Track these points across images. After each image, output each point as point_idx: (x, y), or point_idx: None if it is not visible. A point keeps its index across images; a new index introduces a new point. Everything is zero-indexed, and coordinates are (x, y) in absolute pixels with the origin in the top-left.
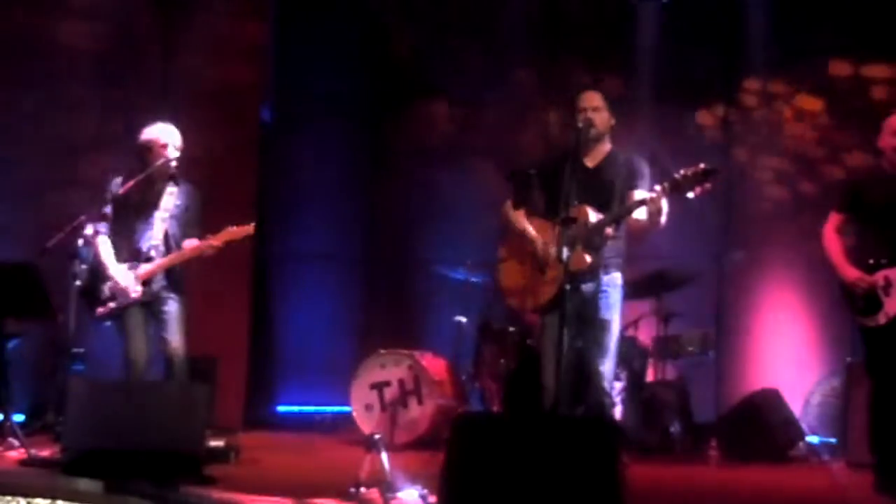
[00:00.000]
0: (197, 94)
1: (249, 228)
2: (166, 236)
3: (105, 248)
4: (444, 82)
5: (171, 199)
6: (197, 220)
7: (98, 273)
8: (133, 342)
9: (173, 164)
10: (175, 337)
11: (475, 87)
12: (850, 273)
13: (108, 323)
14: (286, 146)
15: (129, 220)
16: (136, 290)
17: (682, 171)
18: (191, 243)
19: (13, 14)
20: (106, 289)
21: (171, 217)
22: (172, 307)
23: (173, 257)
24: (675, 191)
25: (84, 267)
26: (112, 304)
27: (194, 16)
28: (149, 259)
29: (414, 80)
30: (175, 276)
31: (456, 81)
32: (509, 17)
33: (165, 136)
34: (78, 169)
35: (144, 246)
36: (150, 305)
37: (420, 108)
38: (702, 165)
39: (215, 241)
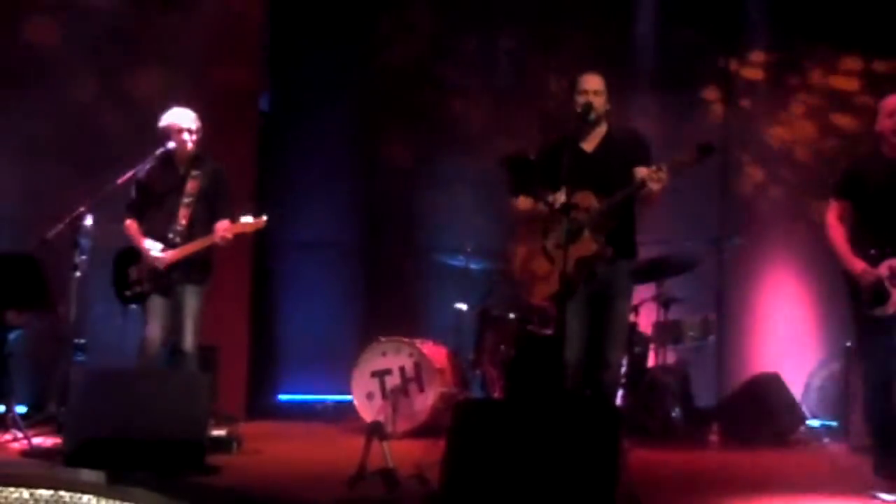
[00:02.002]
0: (195, 85)
1: (261, 221)
2: (191, 222)
3: (133, 228)
4: (442, 69)
5: (195, 182)
6: (225, 200)
7: (123, 259)
8: (150, 326)
9: (189, 146)
10: (188, 330)
11: (473, 74)
12: (857, 265)
13: (134, 306)
14: (285, 136)
15: (153, 207)
16: (164, 263)
17: (681, 154)
18: (223, 225)
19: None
20: (133, 272)
21: (197, 201)
22: (191, 300)
23: (193, 245)
24: (675, 170)
25: (84, 258)
26: (138, 288)
27: (192, 7)
28: (173, 245)
29: (412, 68)
30: (198, 265)
31: (453, 68)
32: (506, 3)
33: (181, 120)
34: (77, 161)
35: (169, 232)
36: (170, 294)
37: (418, 96)
38: (698, 143)
39: (228, 232)
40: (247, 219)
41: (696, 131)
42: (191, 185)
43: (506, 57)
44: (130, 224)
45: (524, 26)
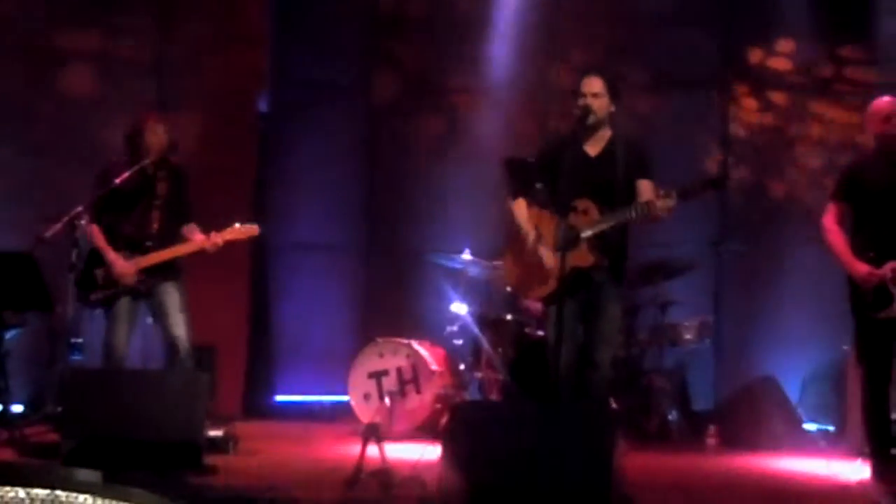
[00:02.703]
0: (195, 85)
1: (254, 229)
2: (162, 224)
3: (99, 235)
4: (443, 70)
5: (163, 185)
6: (189, 202)
7: (92, 259)
8: (115, 330)
9: (155, 150)
10: (179, 326)
11: (473, 75)
12: (860, 268)
13: (98, 310)
14: (284, 136)
15: (124, 209)
16: (132, 278)
17: (691, 182)
18: (191, 229)
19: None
20: (99, 275)
21: (166, 204)
22: (173, 296)
23: (175, 250)
24: (683, 198)
25: (80, 257)
26: (105, 291)
27: (191, 6)
28: (146, 248)
29: (412, 70)
30: (168, 265)
31: (454, 69)
32: (506, 4)
33: (152, 122)
34: (75, 159)
35: (140, 235)
36: (145, 296)
37: (418, 97)
38: (710, 177)
39: (219, 238)
40: (240, 226)
41: (697, 130)
42: (160, 188)
43: (507, 58)
44: (97, 231)
45: (526, 27)
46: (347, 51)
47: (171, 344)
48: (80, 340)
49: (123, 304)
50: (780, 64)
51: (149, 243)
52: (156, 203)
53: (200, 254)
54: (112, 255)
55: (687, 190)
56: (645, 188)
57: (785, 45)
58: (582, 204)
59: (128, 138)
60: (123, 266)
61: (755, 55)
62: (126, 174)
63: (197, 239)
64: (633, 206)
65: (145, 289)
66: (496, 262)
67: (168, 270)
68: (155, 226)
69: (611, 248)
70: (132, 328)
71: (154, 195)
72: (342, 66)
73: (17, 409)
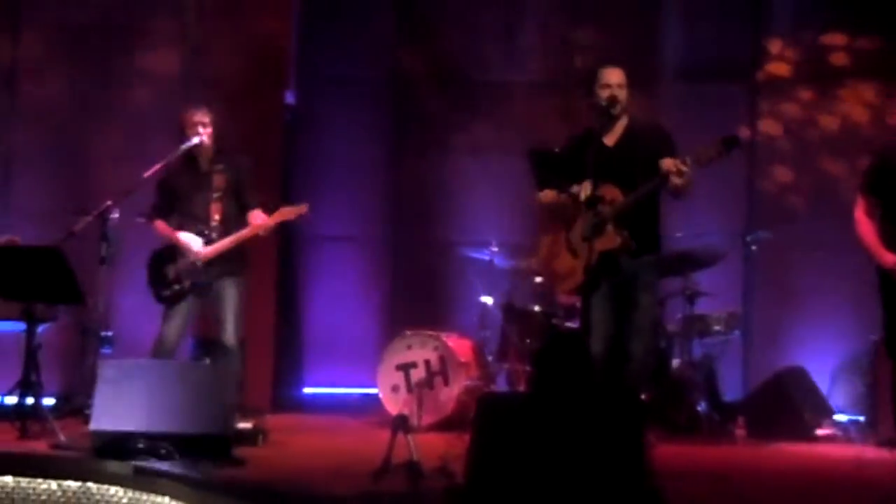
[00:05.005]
0: (221, 79)
1: (303, 208)
2: (224, 216)
3: (165, 227)
4: (468, 64)
5: (221, 177)
6: (254, 189)
7: (163, 256)
8: (170, 324)
9: (204, 139)
10: (230, 322)
11: (499, 70)
12: (889, 258)
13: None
14: (311, 130)
15: (181, 207)
16: (206, 258)
17: (703, 145)
18: (256, 216)
19: None
20: (171, 271)
21: (226, 196)
22: (230, 292)
23: (235, 237)
24: (699, 163)
25: (111, 250)
26: (177, 287)
27: (217, 0)
28: (210, 241)
29: (439, 62)
30: (234, 258)
31: (479, 62)
32: None
33: (192, 113)
34: (102, 154)
35: (203, 230)
36: (206, 289)
37: (445, 89)
38: (723, 135)
39: (271, 220)
40: (287, 208)
41: (723, 123)
42: (217, 180)
43: (532, 52)
44: (160, 224)
45: (550, 20)
46: (375, 43)
47: (218, 339)
48: (110, 334)
49: (185, 301)
50: (809, 55)
51: (213, 236)
52: (214, 196)
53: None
54: (184, 240)
55: (700, 154)
56: (664, 164)
57: (814, 36)
58: (605, 191)
59: (179, 132)
60: (204, 250)
61: (785, 46)
62: (171, 167)
63: (253, 223)
64: (651, 179)
65: (207, 279)
66: (526, 254)
67: (232, 263)
68: (217, 217)
69: (639, 231)
70: (185, 324)
71: (211, 188)
72: (369, 59)
73: (49, 402)
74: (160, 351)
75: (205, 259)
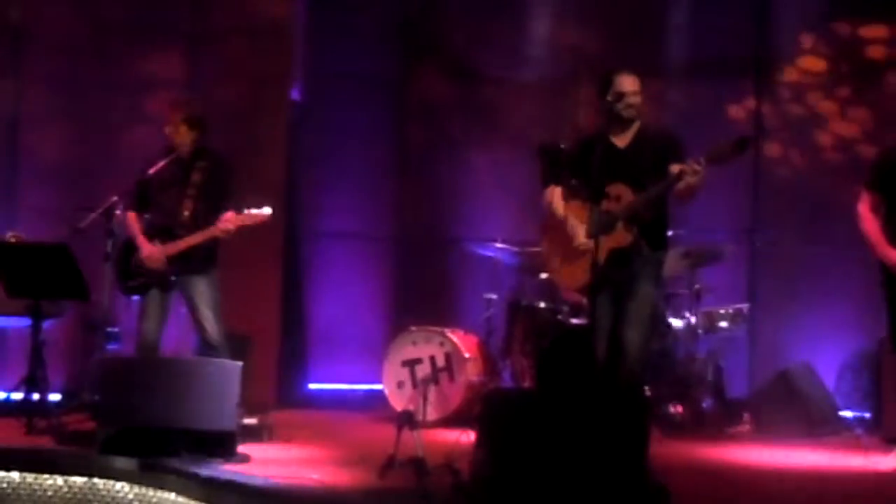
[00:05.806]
0: (226, 75)
1: (265, 214)
2: (195, 213)
3: (133, 221)
4: (475, 61)
5: (199, 174)
6: (228, 191)
7: (129, 248)
8: (145, 319)
9: (183, 138)
10: (208, 320)
11: (505, 66)
12: (893, 255)
13: (136, 298)
14: (316, 126)
15: (158, 198)
16: (159, 263)
17: (718, 144)
18: (227, 216)
19: None
20: (133, 263)
21: (201, 193)
22: (200, 292)
23: (198, 236)
24: (713, 162)
25: (116, 246)
26: (138, 280)
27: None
28: (176, 236)
29: (446, 58)
30: (202, 255)
31: (486, 60)
32: None
33: (173, 118)
34: (108, 148)
35: (173, 224)
36: (175, 287)
37: (451, 86)
38: (738, 136)
39: (229, 224)
40: (252, 211)
41: (731, 120)
42: (195, 177)
43: (540, 49)
44: (130, 216)
45: (558, 19)
46: (381, 39)
47: (201, 337)
48: (116, 329)
49: (154, 293)
50: (819, 49)
51: (180, 231)
52: (189, 192)
53: (233, 241)
54: (140, 240)
55: (713, 153)
56: (676, 166)
57: (824, 29)
58: (615, 190)
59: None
60: (151, 250)
61: (794, 39)
62: (160, 164)
63: (215, 226)
64: (664, 178)
65: (172, 276)
66: (532, 250)
67: (197, 262)
68: (186, 213)
69: (648, 229)
70: (163, 318)
71: (188, 184)
72: (375, 55)
73: (55, 397)
74: (143, 349)
75: (156, 263)
